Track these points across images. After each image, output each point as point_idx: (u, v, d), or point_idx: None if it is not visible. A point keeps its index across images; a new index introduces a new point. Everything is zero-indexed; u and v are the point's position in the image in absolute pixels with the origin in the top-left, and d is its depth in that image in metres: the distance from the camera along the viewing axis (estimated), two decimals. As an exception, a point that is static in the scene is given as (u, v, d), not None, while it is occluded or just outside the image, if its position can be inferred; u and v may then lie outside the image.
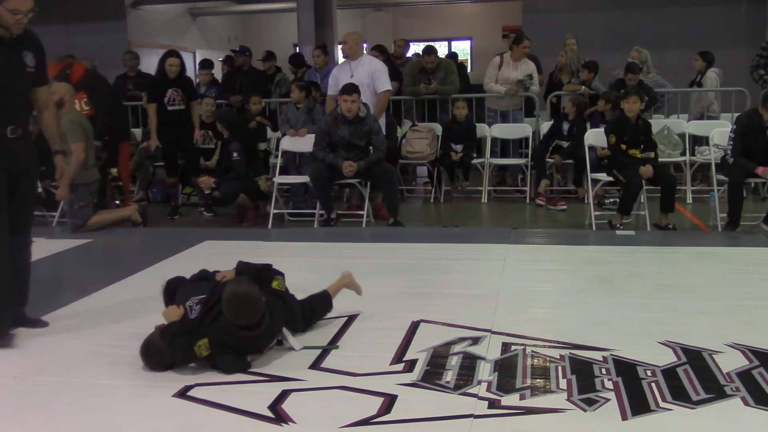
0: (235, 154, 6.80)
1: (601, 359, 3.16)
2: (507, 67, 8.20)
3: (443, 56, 9.14)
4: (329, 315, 3.75)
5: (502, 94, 8.16)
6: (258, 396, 2.87)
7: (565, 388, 2.89)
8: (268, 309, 3.19)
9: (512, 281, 4.46)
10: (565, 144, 7.51)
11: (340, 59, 9.28)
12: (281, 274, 3.53)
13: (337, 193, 7.78)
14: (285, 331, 3.39)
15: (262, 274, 3.46)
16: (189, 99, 7.39)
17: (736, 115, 7.01)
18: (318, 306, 3.68)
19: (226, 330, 3.11)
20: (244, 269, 3.50)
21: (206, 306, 3.21)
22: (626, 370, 3.04)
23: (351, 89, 6.37)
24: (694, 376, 2.96)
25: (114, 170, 7.10)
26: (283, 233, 6.38)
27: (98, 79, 7.17)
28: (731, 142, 6.00)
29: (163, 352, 3.12)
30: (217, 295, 3.20)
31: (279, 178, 7.06)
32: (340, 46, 10.52)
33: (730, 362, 3.10)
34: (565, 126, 7.52)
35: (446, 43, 16.92)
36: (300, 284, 3.75)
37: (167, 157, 7.53)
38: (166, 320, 3.31)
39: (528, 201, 7.73)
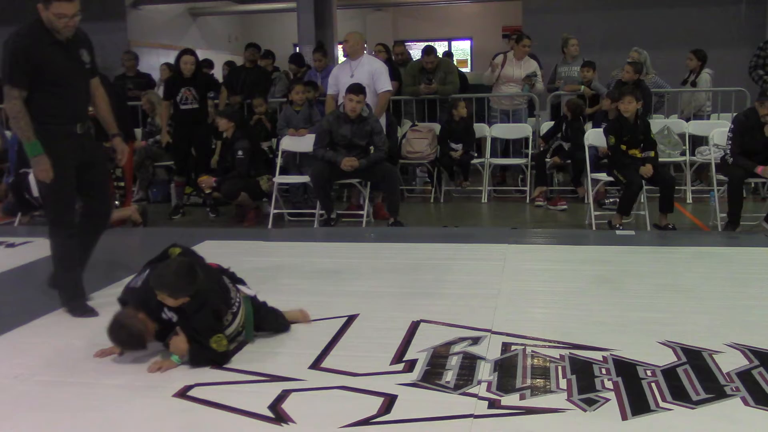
0: (240, 153, 6.77)
1: (601, 359, 3.16)
2: (510, 66, 8.22)
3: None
4: (329, 315, 3.75)
5: (508, 94, 8.16)
6: (258, 396, 2.87)
7: (565, 388, 2.89)
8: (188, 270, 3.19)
9: (512, 281, 4.46)
10: (564, 144, 7.50)
11: (341, 58, 9.26)
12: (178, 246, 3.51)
13: (337, 193, 7.78)
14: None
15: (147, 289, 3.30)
16: (202, 98, 7.32)
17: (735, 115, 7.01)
18: (270, 314, 3.58)
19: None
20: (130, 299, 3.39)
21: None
22: (626, 370, 3.04)
23: (358, 89, 6.35)
24: (694, 376, 2.96)
25: (119, 170, 7.09)
26: (283, 233, 6.38)
27: (102, 79, 7.14)
28: (730, 142, 6.00)
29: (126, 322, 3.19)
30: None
31: (279, 178, 7.05)
32: (340, 46, 10.52)
33: (730, 362, 3.10)
34: (563, 127, 7.51)
35: (446, 43, 16.92)
36: (300, 284, 3.74)
37: (178, 156, 7.51)
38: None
39: (528, 201, 7.74)
